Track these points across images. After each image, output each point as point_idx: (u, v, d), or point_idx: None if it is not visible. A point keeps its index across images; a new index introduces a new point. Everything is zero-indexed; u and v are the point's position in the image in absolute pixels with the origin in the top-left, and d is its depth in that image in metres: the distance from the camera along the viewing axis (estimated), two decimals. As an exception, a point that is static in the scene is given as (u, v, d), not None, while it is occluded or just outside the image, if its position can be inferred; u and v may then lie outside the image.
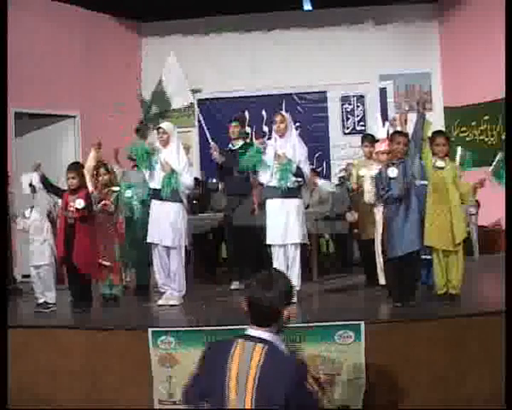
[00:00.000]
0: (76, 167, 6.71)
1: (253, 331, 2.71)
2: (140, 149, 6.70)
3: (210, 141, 7.51)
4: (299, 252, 6.47)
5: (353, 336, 5.18)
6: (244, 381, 2.63)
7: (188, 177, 6.70)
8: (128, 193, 7.36)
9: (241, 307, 2.76)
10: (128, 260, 7.56)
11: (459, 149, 6.35)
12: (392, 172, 5.85)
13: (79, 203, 6.41)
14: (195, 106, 7.72)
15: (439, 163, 5.94)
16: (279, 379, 2.59)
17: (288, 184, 6.36)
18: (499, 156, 6.16)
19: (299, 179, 6.44)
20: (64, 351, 5.64)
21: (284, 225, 6.40)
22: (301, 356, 3.00)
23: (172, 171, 6.55)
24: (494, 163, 6.19)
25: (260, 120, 10.85)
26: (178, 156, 6.66)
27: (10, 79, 6.87)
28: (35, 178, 6.62)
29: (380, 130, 6.95)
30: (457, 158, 6.23)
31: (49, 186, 6.70)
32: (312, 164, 9.73)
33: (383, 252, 6.20)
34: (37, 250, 6.58)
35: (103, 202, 6.76)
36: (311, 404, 2.63)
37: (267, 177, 6.52)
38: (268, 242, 6.54)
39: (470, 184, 6.06)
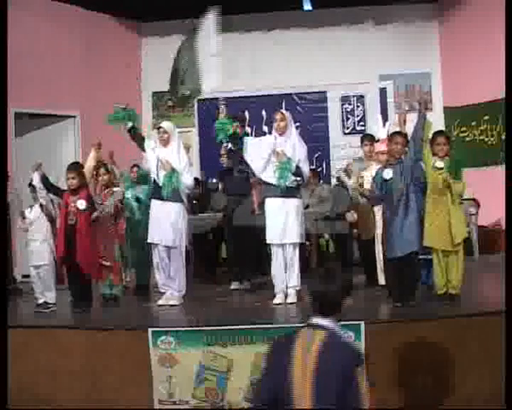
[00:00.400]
0: (76, 167, 6.71)
1: (315, 320, 2.90)
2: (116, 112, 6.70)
3: (224, 143, 7.51)
4: (297, 252, 6.45)
5: (353, 336, 5.17)
6: (306, 365, 2.77)
7: (188, 176, 6.70)
8: (128, 193, 7.38)
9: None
10: (128, 260, 7.57)
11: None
12: (387, 173, 5.84)
13: (81, 204, 6.42)
14: (223, 106, 7.62)
15: (439, 164, 5.93)
16: (336, 362, 2.75)
17: (287, 183, 6.36)
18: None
19: (299, 179, 6.43)
20: (64, 351, 5.64)
21: (283, 225, 6.38)
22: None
23: (173, 170, 6.55)
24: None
25: (260, 120, 10.82)
26: (179, 156, 6.66)
27: (10, 79, 6.87)
28: (35, 178, 6.63)
29: (380, 130, 6.94)
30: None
31: (49, 186, 6.70)
32: (312, 164, 9.72)
33: (383, 252, 6.20)
34: (36, 250, 6.59)
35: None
36: (359, 397, 2.72)
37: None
38: (267, 241, 6.54)
39: (464, 182, 6.04)
